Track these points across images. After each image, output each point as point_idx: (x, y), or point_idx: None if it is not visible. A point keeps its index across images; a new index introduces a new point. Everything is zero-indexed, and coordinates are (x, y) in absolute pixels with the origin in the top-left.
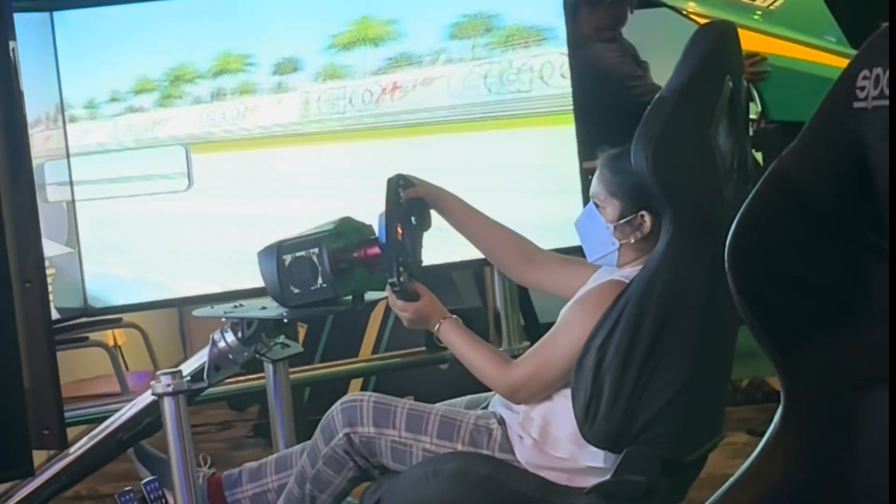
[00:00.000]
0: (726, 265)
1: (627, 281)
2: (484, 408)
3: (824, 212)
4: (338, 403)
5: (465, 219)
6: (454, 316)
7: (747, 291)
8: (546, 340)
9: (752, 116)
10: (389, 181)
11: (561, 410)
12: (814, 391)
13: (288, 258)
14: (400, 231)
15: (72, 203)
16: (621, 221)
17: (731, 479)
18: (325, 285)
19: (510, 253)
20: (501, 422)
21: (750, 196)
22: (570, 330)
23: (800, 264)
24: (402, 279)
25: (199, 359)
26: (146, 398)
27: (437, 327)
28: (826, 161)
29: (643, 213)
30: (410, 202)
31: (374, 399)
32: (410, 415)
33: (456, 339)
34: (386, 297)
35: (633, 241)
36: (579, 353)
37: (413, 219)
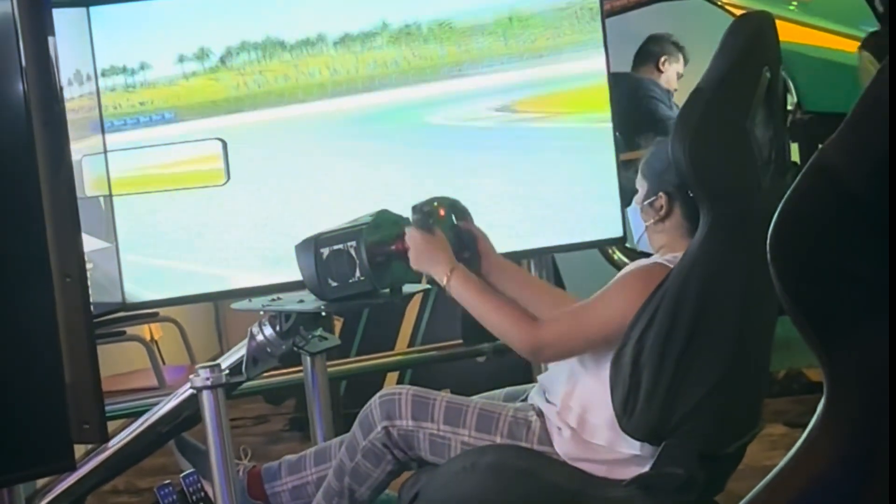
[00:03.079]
0: (768, 257)
1: (671, 266)
2: (522, 400)
3: (867, 203)
4: (376, 397)
5: (515, 281)
6: (461, 265)
7: (790, 284)
8: (585, 307)
9: (787, 107)
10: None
11: (600, 397)
12: (857, 384)
13: (325, 251)
14: (441, 212)
15: (109, 198)
16: (645, 203)
17: (774, 472)
18: (362, 278)
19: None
20: (540, 414)
21: (791, 187)
22: (610, 302)
23: (843, 256)
24: (425, 209)
25: (238, 352)
26: (185, 392)
27: (444, 279)
28: (868, 152)
29: (660, 194)
30: (464, 233)
31: (412, 392)
32: (449, 408)
33: (469, 291)
34: (422, 290)
35: (653, 222)
36: (615, 336)
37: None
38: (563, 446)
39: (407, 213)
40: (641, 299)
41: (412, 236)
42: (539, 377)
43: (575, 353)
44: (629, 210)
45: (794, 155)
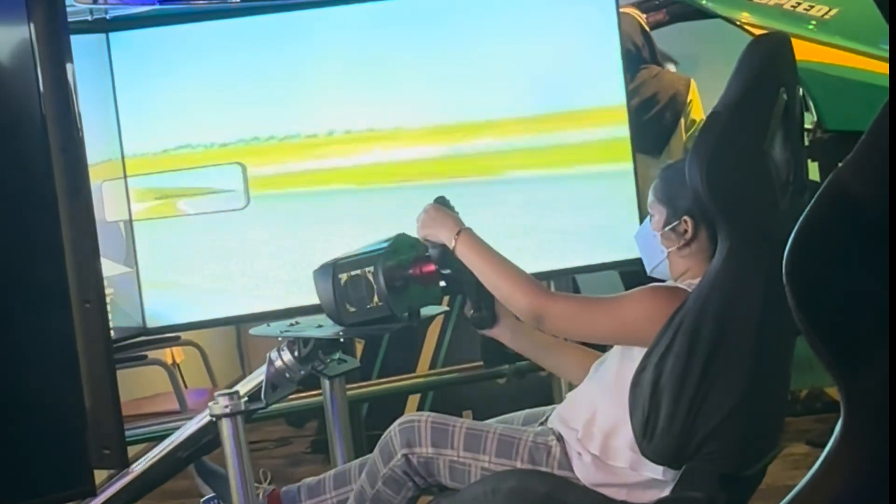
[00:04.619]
0: (784, 278)
1: (689, 290)
2: (542, 423)
3: (882, 224)
4: (395, 424)
5: (526, 338)
6: (469, 228)
7: (806, 304)
8: (600, 299)
9: (807, 126)
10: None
11: (622, 420)
12: (873, 402)
13: (343, 277)
14: None
15: (129, 223)
16: (666, 229)
17: (794, 491)
18: (381, 303)
19: (579, 365)
20: (560, 439)
21: (807, 209)
22: (625, 306)
23: (858, 277)
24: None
25: (256, 378)
26: (204, 417)
27: (452, 242)
28: (883, 172)
29: (685, 218)
30: None
31: (431, 419)
32: (468, 434)
33: (476, 252)
34: (442, 313)
35: (677, 248)
36: (616, 338)
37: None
38: (583, 471)
39: None
40: (655, 313)
41: (425, 208)
42: (557, 407)
43: (571, 335)
44: (639, 237)
45: (815, 174)
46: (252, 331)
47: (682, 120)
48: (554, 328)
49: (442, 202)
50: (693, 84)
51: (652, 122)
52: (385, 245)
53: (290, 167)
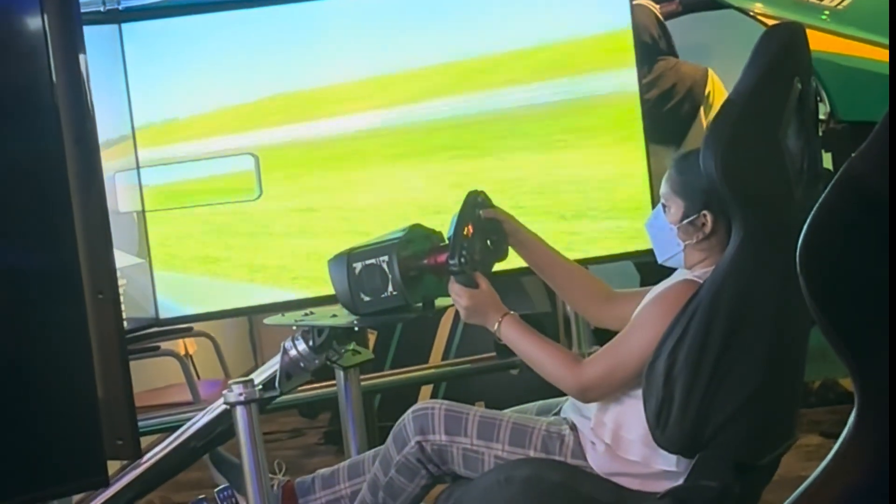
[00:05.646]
0: (798, 268)
1: (700, 281)
2: (555, 414)
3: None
4: (409, 412)
5: (542, 257)
6: (513, 312)
7: (820, 294)
8: (620, 339)
9: (821, 117)
10: (469, 194)
11: (633, 413)
12: (887, 392)
13: (358, 266)
14: (470, 230)
15: (142, 213)
16: (684, 222)
17: (807, 482)
18: (395, 293)
19: (589, 294)
20: (573, 428)
21: (821, 198)
22: (645, 330)
23: (873, 267)
24: (462, 260)
25: (271, 367)
26: (218, 407)
27: (496, 325)
28: None
29: (705, 212)
30: (489, 222)
31: (445, 407)
32: (482, 422)
33: (518, 337)
34: None
35: (695, 241)
36: (650, 357)
37: (489, 242)
38: (596, 460)
39: (438, 227)
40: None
41: (459, 296)
42: (571, 397)
43: (623, 387)
44: (651, 226)
45: (829, 165)
46: (266, 320)
47: (703, 110)
48: (599, 395)
49: (474, 200)
50: (712, 74)
51: (671, 113)
52: (400, 235)
53: (303, 145)
